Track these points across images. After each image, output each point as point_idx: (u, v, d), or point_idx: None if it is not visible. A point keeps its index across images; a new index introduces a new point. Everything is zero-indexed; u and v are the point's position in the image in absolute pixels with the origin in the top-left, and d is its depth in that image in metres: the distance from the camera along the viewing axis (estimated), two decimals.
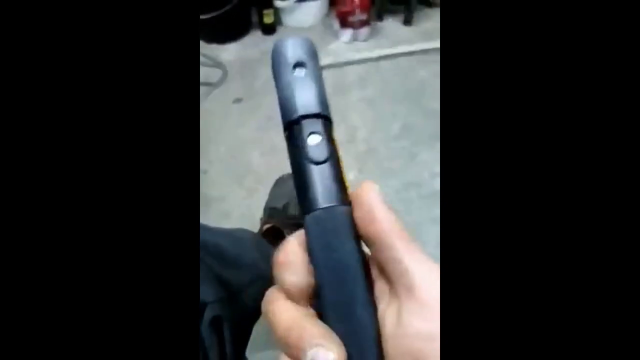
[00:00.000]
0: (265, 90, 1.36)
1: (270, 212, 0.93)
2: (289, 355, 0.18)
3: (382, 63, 1.52)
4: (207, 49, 1.59)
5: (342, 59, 1.52)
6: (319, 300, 0.20)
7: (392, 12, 1.67)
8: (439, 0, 1.48)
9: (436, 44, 1.46)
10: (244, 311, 0.42)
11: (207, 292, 0.38)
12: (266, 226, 0.88)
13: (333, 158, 0.20)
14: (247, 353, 0.47)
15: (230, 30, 1.65)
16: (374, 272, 0.21)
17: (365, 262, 0.20)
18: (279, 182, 1.00)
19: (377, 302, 0.20)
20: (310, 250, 0.20)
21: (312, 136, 0.20)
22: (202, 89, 1.40)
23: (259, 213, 1.01)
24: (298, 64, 0.22)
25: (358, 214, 0.19)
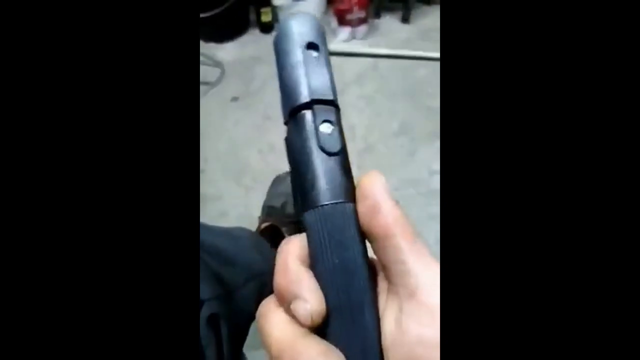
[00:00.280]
0: (263, 89, 1.36)
1: (268, 210, 0.93)
2: None
3: (381, 61, 1.52)
4: (204, 48, 1.59)
5: (340, 57, 1.52)
6: None
7: (390, 10, 1.67)
8: None
9: (435, 44, 1.46)
10: (241, 309, 0.42)
11: (204, 289, 0.38)
12: (264, 225, 0.88)
13: (345, 151, 0.19)
14: (245, 350, 0.47)
15: (227, 28, 1.64)
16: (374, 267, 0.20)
17: (370, 264, 0.19)
18: (277, 180, 1.00)
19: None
20: (313, 249, 0.18)
21: (325, 124, 0.18)
22: (200, 88, 1.40)
23: (256, 212, 1.01)
24: (311, 45, 0.19)
25: (361, 208, 0.18)
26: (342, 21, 1.55)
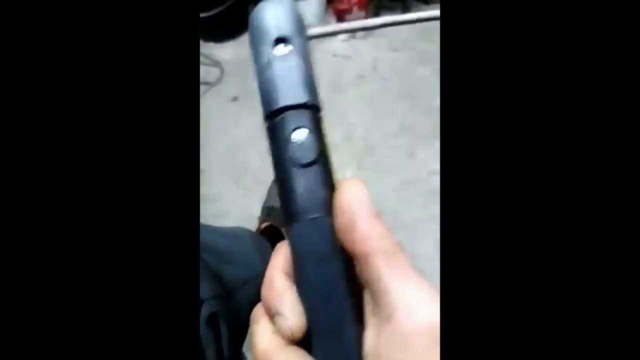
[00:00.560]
0: None
1: (267, 210, 0.93)
2: None
3: (380, 61, 1.52)
4: (204, 48, 1.58)
5: (340, 57, 1.51)
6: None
7: (390, 9, 1.67)
8: None
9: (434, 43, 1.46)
10: (241, 308, 0.42)
11: (204, 289, 0.38)
12: (264, 225, 0.88)
13: (322, 158, 0.17)
14: (244, 350, 0.47)
15: (227, 28, 1.64)
16: (360, 284, 0.18)
17: (353, 279, 0.18)
18: None
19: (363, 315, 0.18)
20: (295, 264, 0.17)
21: (297, 131, 0.17)
22: (200, 88, 1.40)
23: (256, 212, 1.01)
24: (280, 39, 0.17)
25: (337, 223, 0.16)
26: (342, 21, 1.55)
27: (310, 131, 0.17)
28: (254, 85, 0.19)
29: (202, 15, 1.45)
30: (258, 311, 0.19)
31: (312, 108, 0.17)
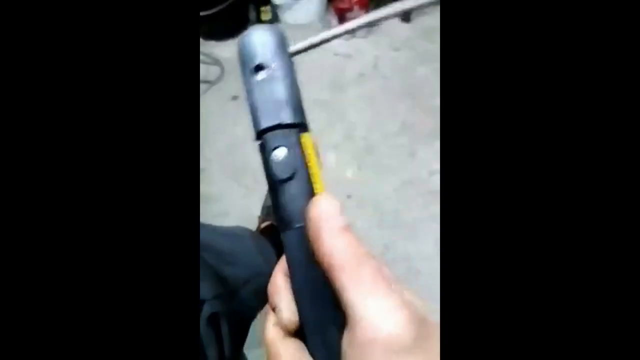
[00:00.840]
0: None
1: (268, 210, 0.93)
2: None
3: (381, 60, 1.52)
4: (204, 46, 1.58)
5: (341, 56, 1.51)
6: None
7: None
8: None
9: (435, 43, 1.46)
10: (242, 308, 0.42)
11: (205, 289, 0.38)
12: (264, 224, 0.88)
13: (302, 171, 0.18)
14: (245, 349, 0.48)
15: (227, 27, 1.64)
16: None
17: None
18: None
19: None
20: (288, 267, 0.19)
21: (276, 150, 0.18)
22: (200, 87, 1.40)
23: (257, 211, 1.01)
24: (259, 66, 0.19)
25: (307, 235, 0.17)
26: (343, 20, 1.55)
27: (287, 149, 0.18)
28: None
29: (202, 13, 1.45)
30: (269, 305, 0.21)
31: (291, 126, 0.19)
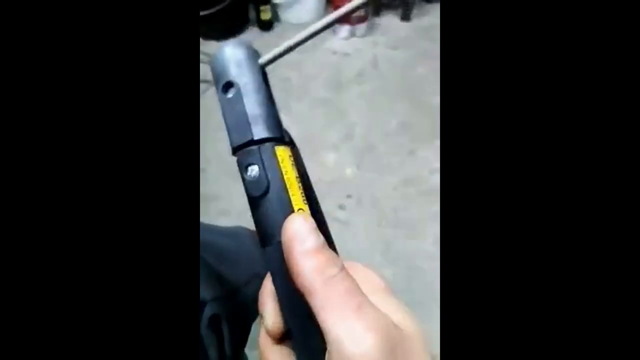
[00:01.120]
0: None
1: None
2: None
3: (380, 59, 1.52)
4: (204, 46, 1.58)
5: (339, 55, 1.51)
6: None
7: (390, 8, 1.66)
8: None
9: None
10: (243, 309, 0.42)
11: (206, 291, 0.38)
12: None
13: (276, 186, 0.18)
14: (247, 350, 0.48)
15: (227, 27, 1.64)
16: None
17: None
18: None
19: None
20: (272, 279, 0.19)
21: (249, 168, 0.19)
22: (200, 86, 1.40)
23: None
24: (226, 85, 0.19)
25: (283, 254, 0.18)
26: (342, 19, 1.55)
27: (259, 166, 0.18)
28: None
29: (202, 13, 1.45)
30: (261, 329, 0.21)
31: (264, 141, 0.19)
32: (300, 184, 0.19)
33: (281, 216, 0.18)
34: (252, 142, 0.19)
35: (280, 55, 0.20)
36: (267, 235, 0.18)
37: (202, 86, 1.41)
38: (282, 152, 0.19)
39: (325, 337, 0.16)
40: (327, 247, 0.18)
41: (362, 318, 0.16)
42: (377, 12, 1.67)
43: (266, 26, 1.67)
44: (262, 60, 0.20)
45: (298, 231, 0.17)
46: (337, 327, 0.15)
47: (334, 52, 1.54)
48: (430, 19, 1.62)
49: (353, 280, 0.17)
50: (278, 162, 0.19)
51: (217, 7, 1.49)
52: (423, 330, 0.17)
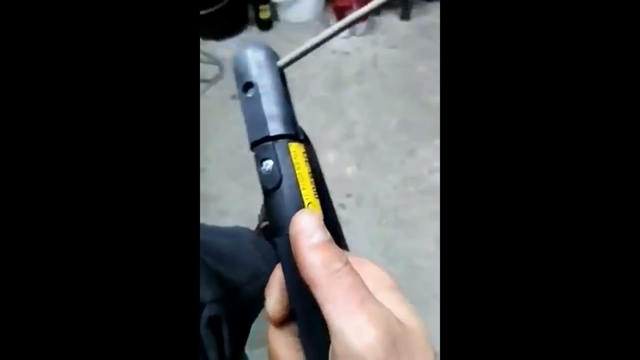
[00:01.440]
0: None
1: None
2: None
3: (380, 58, 1.52)
4: (203, 46, 1.58)
5: (339, 53, 1.51)
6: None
7: (390, 7, 1.66)
8: None
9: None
10: (243, 309, 0.42)
11: (205, 292, 0.38)
12: (264, 223, 0.88)
13: (289, 181, 0.19)
14: (247, 349, 0.48)
15: (226, 26, 1.64)
16: None
17: None
18: None
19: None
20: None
21: (264, 162, 0.20)
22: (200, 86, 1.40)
23: (256, 210, 1.01)
24: (246, 85, 0.21)
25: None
26: (342, 18, 1.55)
27: (273, 160, 0.20)
28: None
29: (201, 12, 1.45)
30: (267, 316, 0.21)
31: (278, 138, 0.20)
32: (312, 179, 0.20)
33: (292, 209, 0.19)
34: (268, 138, 0.20)
35: (298, 57, 0.21)
36: (278, 226, 0.19)
37: (201, 86, 1.41)
38: (296, 149, 0.20)
39: (329, 330, 0.16)
40: (333, 242, 0.18)
41: (365, 312, 0.16)
42: (376, 11, 1.67)
43: (265, 25, 1.67)
44: (281, 62, 0.21)
45: (306, 226, 0.18)
46: (340, 320, 0.16)
47: (334, 51, 1.54)
48: (429, 18, 1.62)
49: (357, 275, 0.17)
50: (291, 157, 0.20)
51: (216, 7, 1.49)
52: (426, 326, 0.17)
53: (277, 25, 1.69)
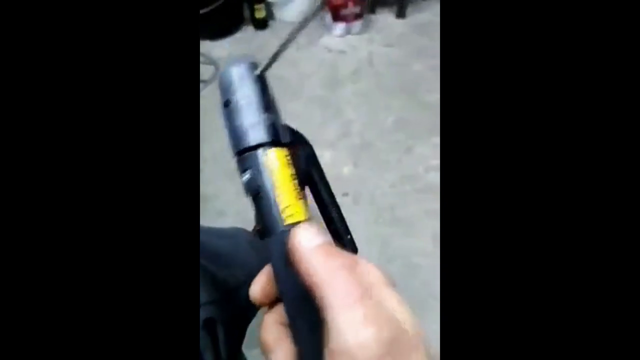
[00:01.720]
0: None
1: None
2: None
3: (376, 56, 1.52)
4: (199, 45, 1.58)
5: (335, 52, 1.51)
6: None
7: (385, 5, 1.66)
8: None
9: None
10: (238, 311, 0.42)
11: (200, 293, 0.38)
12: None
13: (265, 187, 0.21)
14: (245, 348, 0.47)
15: (222, 26, 1.63)
16: None
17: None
18: None
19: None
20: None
21: (244, 172, 0.21)
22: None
23: (253, 210, 1.00)
24: (226, 102, 0.22)
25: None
26: (337, 17, 1.54)
27: (250, 170, 0.21)
28: None
29: None
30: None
31: (254, 148, 0.21)
32: (294, 182, 0.21)
33: (273, 213, 0.20)
34: (247, 149, 0.21)
35: (271, 63, 0.22)
36: (266, 228, 0.21)
37: None
38: (276, 154, 0.21)
39: (327, 322, 0.16)
40: (332, 244, 0.18)
41: (362, 310, 0.16)
42: (372, 10, 1.67)
43: (261, 25, 1.66)
44: (258, 71, 0.22)
45: (304, 236, 0.18)
46: (337, 317, 0.16)
47: (330, 50, 1.54)
48: (425, 16, 1.62)
49: (356, 273, 0.17)
50: (268, 165, 0.21)
51: (212, 7, 1.48)
52: (422, 327, 0.17)
53: (272, 25, 1.68)
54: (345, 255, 0.18)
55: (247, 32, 1.66)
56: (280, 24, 1.68)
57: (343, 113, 1.33)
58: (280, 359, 0.20)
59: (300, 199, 0.21)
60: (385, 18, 1.66)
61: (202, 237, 0.47)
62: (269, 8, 1.66)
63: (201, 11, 1.46)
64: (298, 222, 0.20)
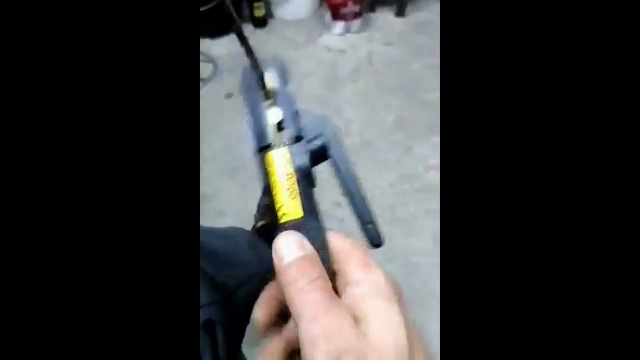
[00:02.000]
0: None
1: (263, 209, 0.93)
2: None
3: (376, 55, 1.52)
4: None
5: (335, 52, 1.51)
6: None
7: (385, 4, 1.66)
8: None
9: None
10: (238, 312, 0.42)
11: (201, 295, 0.38)
12: (260, 223, 0.88)
13: (266, 189, 0.23)
14: (244, 347, 0.47)
15: (221, 24, 1.63)
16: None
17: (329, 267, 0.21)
18: None
19: None
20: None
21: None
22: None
23: (253, 210, 1.00)
24: (247, 105, 0.25)
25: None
26: (337, 16, 1.54)
27: (261, 171, 0.23)
28: None
29: None
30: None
31: (261, 150, 0.23)
32: (288, 181, 0.22)
33: (267, 213, 0.22)
34: (258, 152, 0.23)
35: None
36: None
37: None
38: (277, 155, 0.23)
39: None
40: (306, 259, 0.19)
41: (320, 324, 0.17)
42: (372, 8, 1.67)
43: (260, 23, 1.66)
44: (256, 73, 0.24)
45: (280, 248, 0.20)
46: (302, 330, 0.17)
47: (329, 49, 1.54)
48: (425, 15, 1.62)
49: (325, 290, 0.19)
50: (267, 167, 0.23)
51: (210, 5, 1.48)
52: (404, 345, 0.17)
53: (272, 23, 1.68)
54: (317, 271, 0.19)
55: (246, 31, 1.66)
56: (280, 22, 1.68)
57: (343, 112, 1.33)
58: None
59: (294, 198, 0.22)
60: (385, 17, 1.66)
61: (201, 238, 0.47)
62: (268, 7, 1.65)
63: (200, 9, 1.46)
64: (291, 221, 0.21)
